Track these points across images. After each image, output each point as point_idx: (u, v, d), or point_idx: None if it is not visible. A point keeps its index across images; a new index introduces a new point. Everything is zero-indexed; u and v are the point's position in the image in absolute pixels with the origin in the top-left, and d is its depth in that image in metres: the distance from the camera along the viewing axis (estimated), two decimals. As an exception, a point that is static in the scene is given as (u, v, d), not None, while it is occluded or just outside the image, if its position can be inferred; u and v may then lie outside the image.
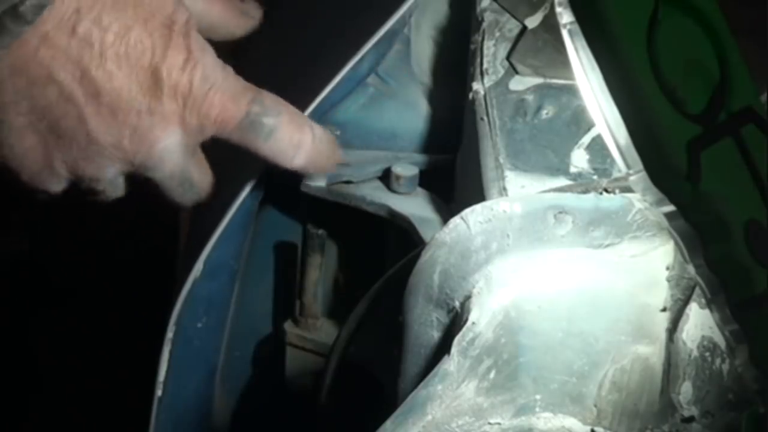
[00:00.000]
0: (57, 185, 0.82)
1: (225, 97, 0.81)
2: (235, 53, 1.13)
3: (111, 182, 0.83)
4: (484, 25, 0.85)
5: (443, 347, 0.74)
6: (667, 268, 0.75)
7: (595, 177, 0.83)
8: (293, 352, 1.02)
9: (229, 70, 0.82)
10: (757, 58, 0.79)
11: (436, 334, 0.76)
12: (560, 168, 0.83)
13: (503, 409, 0.73)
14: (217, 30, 0.88)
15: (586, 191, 0.76)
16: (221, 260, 0.94)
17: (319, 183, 0.91)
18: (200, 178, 0.84)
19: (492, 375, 0.73)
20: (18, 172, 0.81)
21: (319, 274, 1.00)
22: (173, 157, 0.82)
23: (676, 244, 0.75)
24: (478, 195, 0.83)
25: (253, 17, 0.90)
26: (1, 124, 0.78)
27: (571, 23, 0.76)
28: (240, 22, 0.91)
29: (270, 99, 0.84)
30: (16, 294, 1.60)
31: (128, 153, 0.80)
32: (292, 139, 0.85)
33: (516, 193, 0.82)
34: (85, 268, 1.64)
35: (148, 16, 0.78)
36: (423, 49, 0.94)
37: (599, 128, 0.77)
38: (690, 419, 0.74)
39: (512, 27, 0.85)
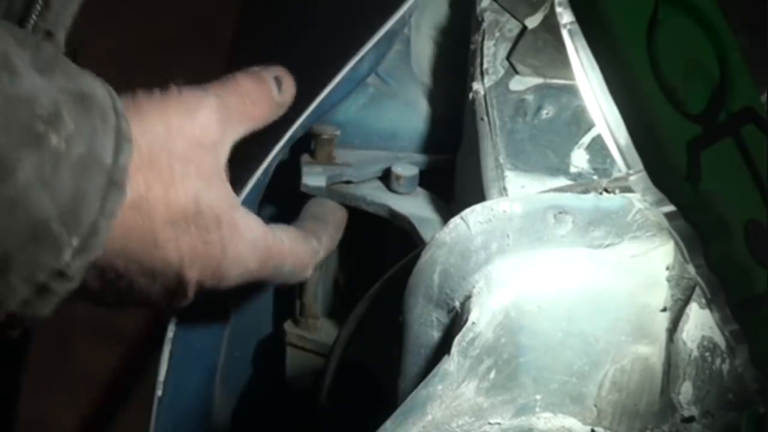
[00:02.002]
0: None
1: (247, 278, 0.82)
2: (234, 53, 1.13)
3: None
4: (484, 25, 0.85)
5: (443, 347, 0.74)
6: (667, 268, 0.75)
7: (595, 177, 0.83)
8: (293, 352, 1.02)
9: (250, 250, 0.82)
10: (757, 58, 0.79)
11: (436, 334, 0.76)
12: (560, 168, 0.83)
13: (503, 409, 0.73)
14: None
15: (586, 191, 0.76)
16: (221, 260, 0.94)
17: (319, 183, 0.91)
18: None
19: (492, 375, 0.73)
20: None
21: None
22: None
23: (676, 244, 0.75)
24: (478, 195, 0.83)
25: (287, 105, 0.87)
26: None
27: (571, 23, 0.76)
28: (275, 115, 0.87)
29: (288, 257, 0.85)
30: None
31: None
32: (302, 267, 0.87)
33: (516, 193, 0.82)
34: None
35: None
36: (423, 49, 0.94)
37: (599, 128, 0.77)
38: (690, 419, 0.74)
39: (512, 27, 0.85)
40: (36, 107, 0.67)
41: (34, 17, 0.81)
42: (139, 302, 0.80)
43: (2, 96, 0.66)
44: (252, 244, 0.81)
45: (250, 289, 1.02)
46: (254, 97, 0.83)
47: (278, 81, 0.84)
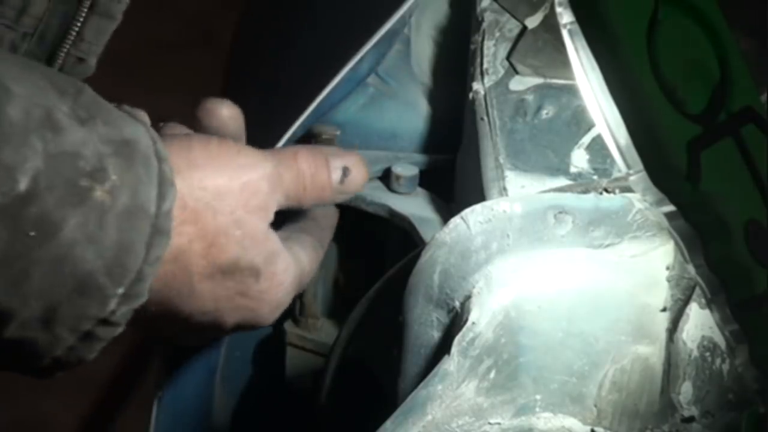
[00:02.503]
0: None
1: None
2: (233, 53, 1.13)
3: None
4: (484, 25, 0.85)
5: (443, 347, 0.74)
6: (667, 268, 0.75)
7: (595, 177, 0.83)
8: (293, 352, 1.02)
9: (287, 294, 0.82)
10: (757, 58, 0.79)
11: (436, 334, 0.76)
12: (560, 168, 0.83)
13: (503, 409, 0.73)
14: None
15: (586, 191, 0.76)
16: (221, 260, 0.94)
17: (319, 183, 0.91)
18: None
19: (492, 375, 0.73)
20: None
21: (319, 274, 1.00)
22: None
23: (676, 244, 0.75)
24: (478, 195, 0.83)
25: (348, 193, 0.86)
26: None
27: (571, 23, 0.76)
28: (321, 202, 0.86)
29: (304, 278, 0.85)
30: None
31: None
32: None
33: (516, 193, 0.82)
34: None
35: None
36: (423, 49, 0.94)
37: (599, 128, 0.77)
38: (690, 419, 0.74)
39: (512, 27, 0.85)
40: (80, 162, 0.67)
41: (67, 47, 0.81)
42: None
43: (47, 154, 0.66)
44: (290, 287, 0.82)
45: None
46: (310, 181, 0.82)
47: (346, 171, 0.83)
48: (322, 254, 0.88)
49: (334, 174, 0.83)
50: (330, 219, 0.91)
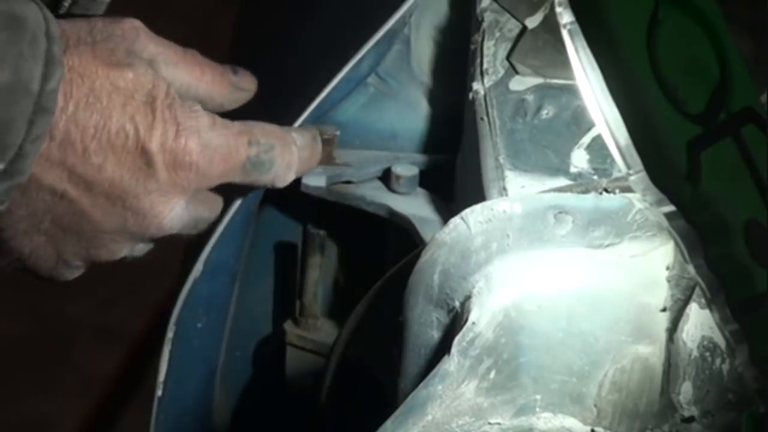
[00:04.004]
0: (75, 273, 0.82)
1: (221, 153, 0.81)
2: (233, 53, 1.13)
3: (129, 255, 0.83)
4: (484, 25, 0.85)
5: (443, 347, 0.74)
6: (667, 268, 0.75)
7: (595, 177, 0.83)
8: (293, 352, 1.02)
9: (219, 120, 0.81)
10: (757, 58, 0.79)
11: (436, 334, 0.76)
12: (560, 168, 0.83)
13: (503, 409, 0.73)
14: (204, 103, 0.83)
15: (586, 191, 0.76)
16: (221, 260, 0.94)
17: (319, 183, 0.91)
18: (210, 209, 0.84)
19: (492, 375, 0.73)
20: (35, 271, 0.80)
21: (319, 274, 1.00)
22: (183, 219, 0.81)
23: (676, 244, 0.75)
24: (478, 195, 0.83)
25: (246, 90, 0.87)
26: (5, 232, 0.77)
27: (571, 23, 0.76)
28: (231, 97, 0.86)
29: (261, 132, 0.83)
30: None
31: (137, 233, 0.80)
32: (285, 162, 0.85)
33: (516, 193, 0.82)
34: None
35: (125, 101, 0.77)
36: (423, 49, 0.94)
37: (599, 128, 0.77)
38: (690, 419, 0.74)
39: (512, 27, 0.85)
40: None
41: None
42: (119, 206, 0.78)
43: None
44: (221, 124, 0.81)
45: (251, 285, 1.03)
46: (207, 63, 0.83)
47: (234, 70, 0.85)
48: (295, 141, 0.87)
49: (226, 68, 0.85)
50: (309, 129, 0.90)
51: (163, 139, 0.78)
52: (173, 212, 0.80)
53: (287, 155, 0.85)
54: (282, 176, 0.85)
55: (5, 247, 0.78)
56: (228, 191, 0.87)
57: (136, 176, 0.78)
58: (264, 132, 0.84)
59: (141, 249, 0.83)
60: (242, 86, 0.85)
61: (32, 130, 0.70)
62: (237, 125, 0.82)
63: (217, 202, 0.85)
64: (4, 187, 0.70)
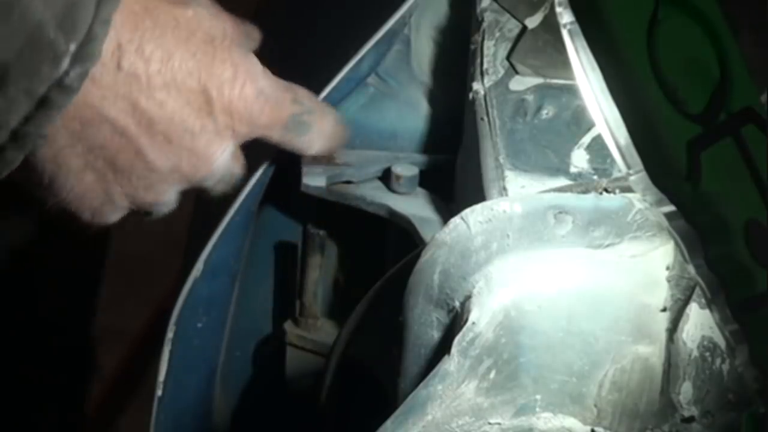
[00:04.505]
0: (117, 216, 0.82)
1: (271, 104, 0.81)
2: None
3: (168, 202, 0.83)
4: (484, 25, 0.85)
5: (443, 347, 0.74)
6: (667, 268, 0.75)
7: (595, 177, 0.83)
8: (293, 352, 1.02)
9: (268, 73, 0.82)
10: (757, 58, 0.79)
11: (436, 334, 0.76)
12: (560, 168, 0.83)
13: (503, 409, 0.73)
14: None
15: (586, 191, 0.76)
16: (221, 260, 0.94)
17: (319, 183, 0.91)
18: (240, 167, 0.84)
19: (492, 375, 0.73)
20: (79, 212, 0.80)
21: (319, 274, 1.00)
22: (227, 167, 0.82)
23: (676, 244, 0.75)
24: (478, 195, 0.83)
25: (254, 40, 0.87)
26: (59, 168, 0.77)
27: (571, 23, 0.76)
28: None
29: (305, 96, 0.85)
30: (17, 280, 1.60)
31: (187, 174, 0.80)
32: (323, 129, 0.86)
33: (516, 193, 0.82)
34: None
35: (188, 36, 0.77)
36: (423, 49, 0.94)
37: (599, 128, 0.77)
38: (690, 419, 0.74)
39: (512, 27, 0.85)
40: None
41: None
42: (176, 145, 0.79)
43: None
44: (270, 75, 0.82)
45: (251, 285, 1.03)
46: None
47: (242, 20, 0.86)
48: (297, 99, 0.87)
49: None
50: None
51: (222, 80, 0.79)
52: (224, 155, 0.81)
53: (325, 123, 0.86)
54: (315, 143, 0.86)
55: (55, 186, 0.78)
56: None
57: (196, 114, 0.78)
58: (306, 95, 0.85)
59: (174, 201, 0.83)
60: (253, 36, 0.86)
61: (101, 10, 0.70)
62: (282, 81, 0.83)
63: (243, 162, 0.85)
64: (77, 73, 0.70)
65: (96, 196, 0.80)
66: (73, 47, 0.69)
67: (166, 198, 0.82)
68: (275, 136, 0.83)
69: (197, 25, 0.78)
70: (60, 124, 0.74)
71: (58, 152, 0.76)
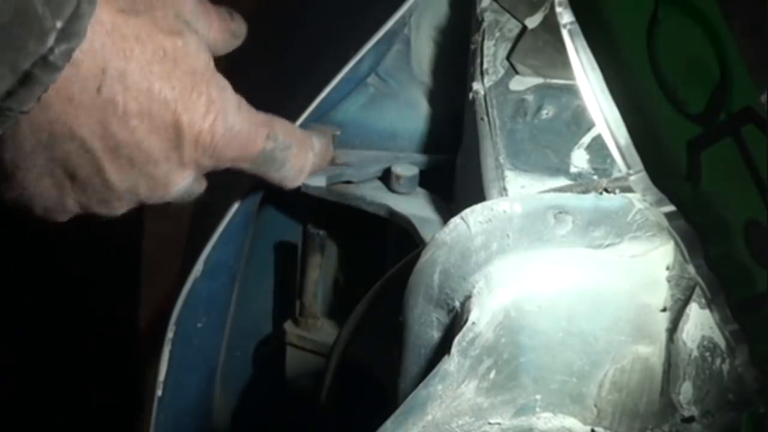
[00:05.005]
0: (67, 217, 0.83)
1: (240, 139, 0.82)
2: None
3: (119, 213, 0.84)
4: (484, 25, 0.85)
5: (443, 347, 0.74)
6: (667, 268, 0.75)
7: (595, 177, 0.83)
8: (293, 352, 1.02)
9: (245, 105, 0.82)
10: (757, 58, 0.79)
11: (436, 334, 0.76)
12: (560, 168, 0.83)
13: (503, 409, 0.73)
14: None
15: (586, 191, 0.76)
16: (221, 260, 0.94)
17: (319, 183, 0.91)
18: (203, 186, 0.85)
19: (492, 375, 0.73)
20: (30, 209, 0.81)
21: (319, 274, 1.00)
22: (186, 190, 0.83)
23: (676, 244, 0.75)
24: (478, 195, 0.83)
25: (240, 38, 0.88)
26: (18, 169, 0.78)
27: (571, 23, 0.76)
28: (228, 44, 0.88)
29: (282, 130, 0.85)
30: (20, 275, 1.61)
31: (143, 196, 0.81)
32: (299, 164, 0.86)
33: (516, 193, 0.82)
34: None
35: (172, 68, 0.78)
36: (423, 49, 0.94)
37: (599, 128, 0.77)
38: (690, 419, 0.74)
39: (512, 27, 0.85)
40: None
41: None
42: (137, 170, 0.79)
43: None
44: (246, 110, 0.82)
45: (251, 285, 1.03)
46: (211, 9, 0.84)
47: (231, 14, 0.87)
48: (313, 151, 0.88)
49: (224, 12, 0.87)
50: (324, 135, 0.91)
51: (195, 113, 0.79)
52: (183, 183, 0.82)
53: (302, 159, 0.86)
54: (292, 178, 0.87)
55: (13, 182, 0.79)
56: (231, 185, 0.87)
57: (163, 145, 0.79)
58: (285, 129, 0.85)
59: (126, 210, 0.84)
60: (238, 34, 0.87)
61: None
62: (261, 115, 0.83)
63: (205, 185, 0.86)
64: (62, 50, 0.70)
65: (50, 198, 0.80)
66: (59, 24, 0.69)
67: (118, 212, 0.83)
68: (246, 168, 0.84)
69: (183, 57, 0.78)
70: (28, 131, 0.75)
71: (21, 156, 0.77)
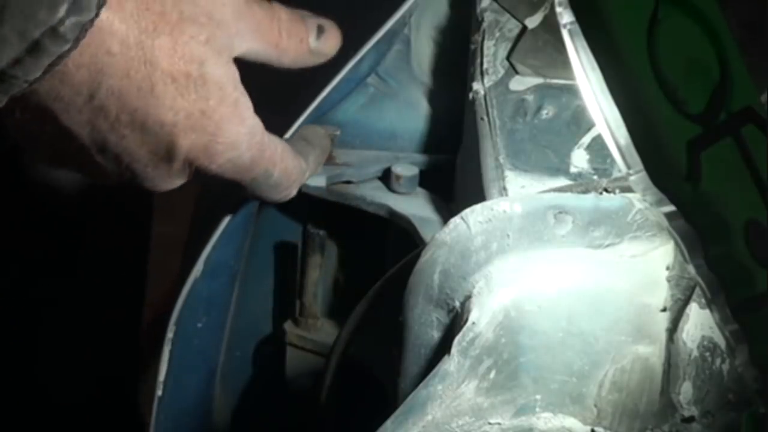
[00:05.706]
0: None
1: (241, 169, 0.80)
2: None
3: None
4: (484, 25, 0.85)
5: (443, 347, 0.74)
6: (667, 268, 0.75)
7: (595, 177, 0.83)
8: (293, 352, 1.02)
9: (258, 136, 0.80)
10: (757, 58, 0.79)
11: (436, 334, 0.76)
12: (560, 168, 0.83)
13: (503, 409, 0.73)
14: (270, 64, 0.82)
15: (586, 191, 0.76)
16: (221, 260, 0.94)
17: (319, 183, 0.91)
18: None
19: (492, 375, 0.73)
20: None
21: (319, 274, 1.00)
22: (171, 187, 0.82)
23: (676, 244, 0.75)
24: (478, 195, 0.83)
25: (326, 54, 0.84)
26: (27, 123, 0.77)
27: (571, 23, 0.76)
28: (305, 62, 0.84)
29: (281, 167, 0.83)
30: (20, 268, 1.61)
31: (126, 180, 0.80)
32: (288, 182, 0.85)
33: (516, 193, 0.82)
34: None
35: (179, 93, 0.75)
36: (423, 49, 0.94)
37: (599, 128, 0.77)
38: (690, 419, 0.74)
39: (512, 27, 0.85)
40: None
41: None
42: (124, 166, 0.78)
43: None
44: (249, 132, 0.79)
45: (251, 285, 1.03)
46: (287, 27, 0.80)
47: (320, 29, 0.83)
48: (306, 168, 0.86)
49: (311, 28, 0.82)
50: (321, 139, 0.90)
51: (192, 143, 0.77)
52: (167, 187, 0.81)
53: (292, 176, 0.85)
54: (276, 199, 0.86)
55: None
56: (229, 186, 0.87)
57: (153, 160, 0.78)
58: (283, 168, 0.83)
59: None
60: (323, 51, 0.84)
61: None
62: (258, 145, 0.81)
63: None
64: (72, 23, 0.68)
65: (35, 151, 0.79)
66: None
67: (107, 181, 0.81)
68: (230, 183, 0.83)
69: (199, 84, 0.76)
70: (20, 119, 0.75)
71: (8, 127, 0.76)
